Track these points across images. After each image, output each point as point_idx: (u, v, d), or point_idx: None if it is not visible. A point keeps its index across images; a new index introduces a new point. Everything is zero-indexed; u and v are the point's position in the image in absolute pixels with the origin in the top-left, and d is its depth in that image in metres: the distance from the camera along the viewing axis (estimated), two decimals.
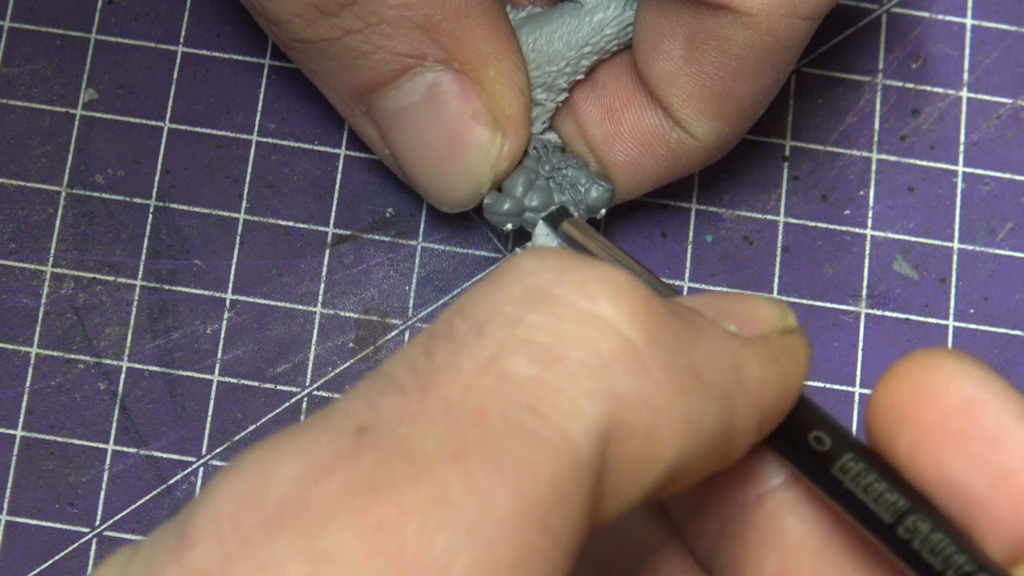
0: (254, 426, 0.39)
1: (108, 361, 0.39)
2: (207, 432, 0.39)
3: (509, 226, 0.37)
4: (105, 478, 0.38)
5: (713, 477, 0.25)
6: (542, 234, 0.36)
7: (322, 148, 0.41)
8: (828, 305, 0.40)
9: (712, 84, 0.35)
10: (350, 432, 0.20)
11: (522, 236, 0.39)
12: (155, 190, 0.40)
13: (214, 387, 0.39)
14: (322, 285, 0.40)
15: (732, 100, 0.35)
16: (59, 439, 0.39)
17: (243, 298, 0.40)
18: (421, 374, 0.20)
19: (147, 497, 0.38)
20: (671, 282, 0.40)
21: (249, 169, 0.40)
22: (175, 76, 0.41)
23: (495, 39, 0.35)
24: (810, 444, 0.24)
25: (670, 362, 0.21)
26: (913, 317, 0.40)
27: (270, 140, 0.41)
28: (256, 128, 0.41)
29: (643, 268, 0.31)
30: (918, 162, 0.41)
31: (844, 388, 0.40)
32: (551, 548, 0.19)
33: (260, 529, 0.19)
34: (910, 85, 0.42)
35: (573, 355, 0.20)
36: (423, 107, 0.36)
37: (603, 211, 0.37)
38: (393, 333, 0.39)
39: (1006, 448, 0.22)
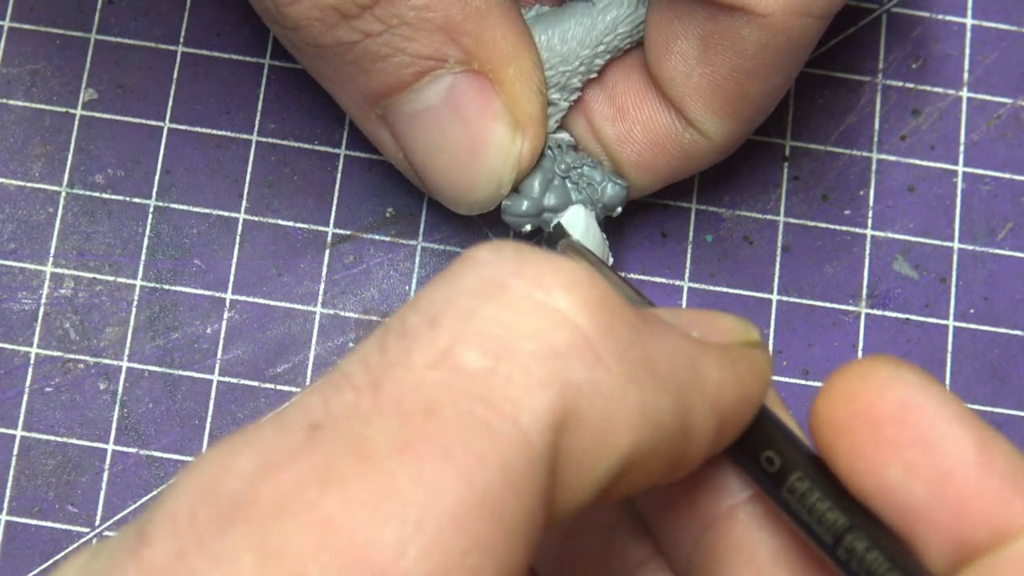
0: None
1: (108, 361, 0.39)
2: (207, 432, 0.39)
3: (528, 227, 0.37)
4: (105, 478, 0.38)
5: (685, 490, 0.25)
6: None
7: (322, 148, 0.41)
8: (828, 305, 0.40)
9: (726, 84, 0.35)
10: (303, 428, 0.20)
11: (526, 237, 0.39)
12: (155, 190, 0.40)
13: (214, 387, 0.39)
14: (322, 285, 0.40)
15: (745, 99, 0.35)
16: (59, 439, 0.39)
17: (243, 298, 0.40)
18: (374, 370, 0.20)
19: (147, 497, 0.38)
20: (671, 282, 0.40)
21: (249, 169, 0.40)
22: (175, 76, 0.41)
23: (514, 38, 0.35)
24: (762, 464, 0.24)
25: (624, 353, 0.21)
26: (913, 317, 0.40)
27: (270, 140, 0.41)
28: (256, 128, 0.41)
29: (631, 287, 0.31)
30: (918, 162, 0.41)
31: None
32: (504, 539, 0.19)
33: (214, 524, 0.19)
34: (910, 85, 0.42)
35: (526, 346, 0.20)
36: (443, 109, 0.36)
37: (619, 209, 0.37)
38: None
39: (941, 452, 0.22)
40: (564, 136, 0.37)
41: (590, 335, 0.21)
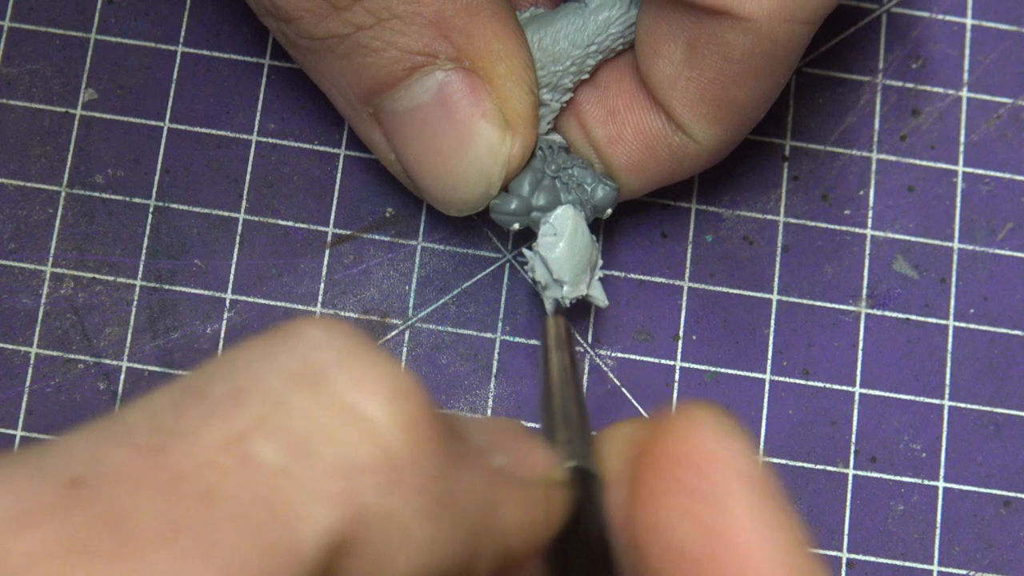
0: None
1: (108, 361, 0.39)
2: None
3: (516, 226, 0.37)
4: None
5: None
6: (548, 234, 0.36)
7: (322, 148, 0.41)
8: (828, 305, 0.40)
9: (713, 89, 0.34)
10: (63, 483, 0.18)
11: (525, 236, 0.39)
12: (155, 190, 0.40)
13: None
14: (322, 285, 0.40)
15: (733, 104, 0.35)
16: None
17: (243, 298, 0.40)
18: (161, 431, 0.18)
19: None
20: (671, 282, 0.40)
21: (249, 169, 0.40)
22: (175, 76, 0.41)
23: (505, 36, 0.35)
24: None
25: (426, 485, 0.19)
26: (913, 317, 0.40)
27: (270, 140, 0.41)
28: (256, 128, 0.41)
29: (577, 412, 0.30)
30: (918, 162, 0.41)
31: (844, 388, 0.40)
32: None
33: None
34: (910, 85, 0.42)
35: (327, 452, 0.19)
36: (433, 107, 0.35)
37: (609, 211, 0.37)
38: (393, 333, 0.39)
39: (726, 512, 0.21)
40: (556, 137, 0.37)
41: (396, 458, 0.19)
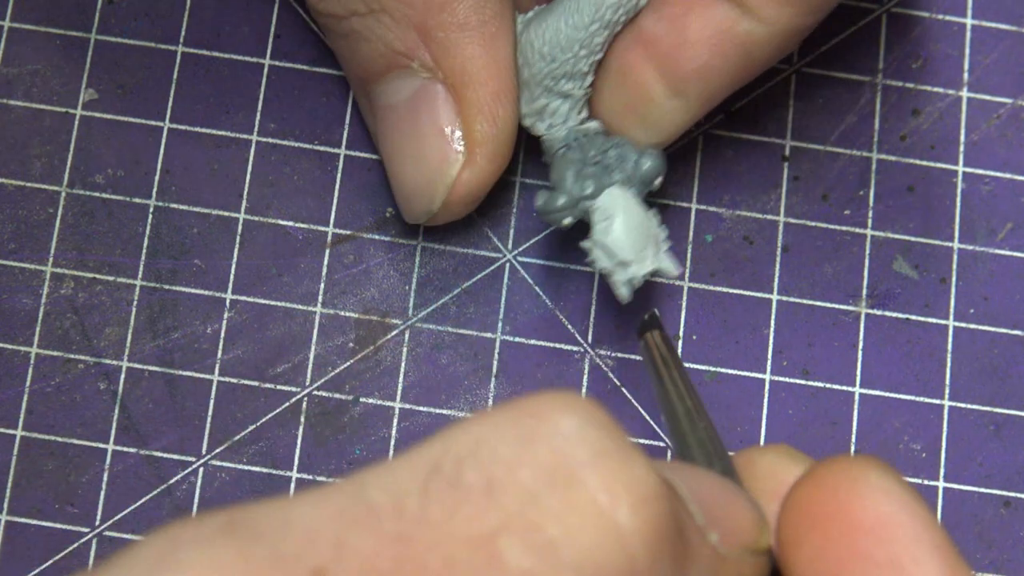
0: (254, 426, 0.39)
1: (108, 361, 0.39)
2: (207, 432, 0.39)
3: (568, 220, 0.36)
4: (105, 478, 0.38)
5: None
6: (600, 220, 0.36)
7: (322, 148, 0.41)
8: (828, 305, 0.40)
9: None
10: (306, 571, 0.17)
11: (526, 236, 0.39)
12: (155, 190, 0.40)
13: (214, 387, 0.39)
14: (322, 285, 0.40)
15: None
16: (59, 439, 0.39)
17: (243, 298, 0.40)
18: (407, 518, 0.18)
19: (147, 497, 0.38)
20: (671, 282, 0.40)
21: (249, 169, 0.40)
22: (175, 76, 0.41)
23: (485, 62, 0.35)
24: None
25: None
26: (913, 317, 0.40)
27: (270, 140, 0.41)
28: (256, 128, 0.41)
29: (697, 406, 0.29)
30: (918, 162, 0.41)
31: (844, 388, 0.40)
32: None
33: None
34: (910, 85, 0.42)
35: (572, 557, 0.18)
36: (404, 110, 0.36)
37: (659, 180, 0.36)
38: (393, 333, 0.39)
39: None
40: (592, 125, 0.37)
41: (637, 565, 0.19)
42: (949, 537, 0.22)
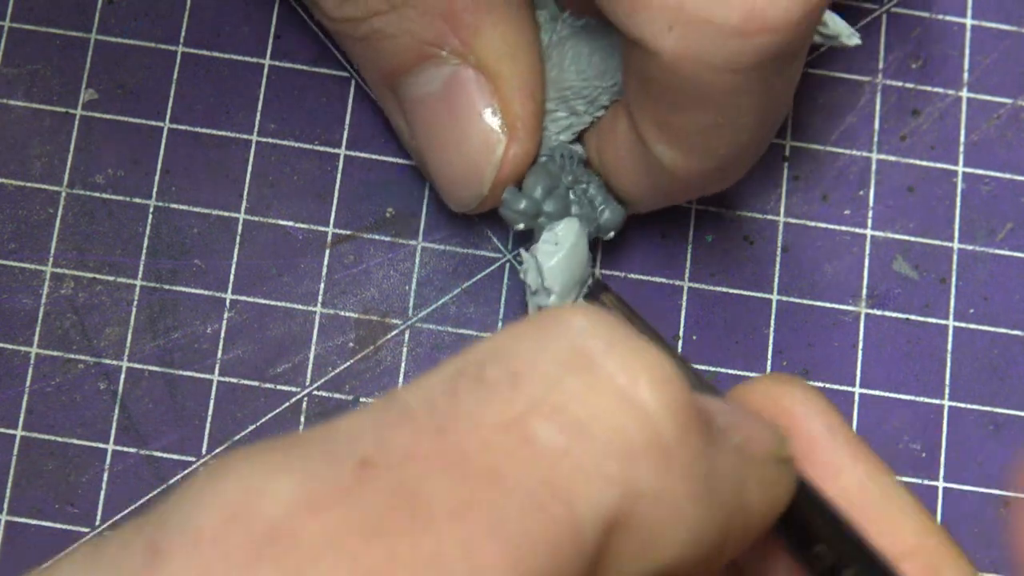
0: (254, 426, 0.39)
1: (108, 361, 0.39)
2: (207, 432, 0.39)
3: (521, 225, 0.37)
4: (105, 478, 0.38)
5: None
6: (549, 242, 0.36)
7: (322, 148, 0.41)
8: (828, 305, 0.40)
9: (656, 111, 0.32)
10: (353, 463, 0.18)
11: (526, 238, 0.39)
12: (155, 190, 0.40)
13: (214, 387, 0.39)
14: (322, 285, 0.40)
15: (681, 131, 0.32)
16: (59, 439, 0.39)
17: (243, 298, 0.40)
18: (440, 413, 0.19)
19: (147, 497, 0.38)
20: (671, 282, 0.40)
21: (249, 169, 0.40)
22: (175, 76, 0.41)
23: (515, 39, 0.35)
24: (815, 555, 0.24)
25: (692, 467, 0.20)
26: (913, 317, 0.40)
27: (270, 140, 0.41)
28: (256, 128, 0.41)
29: (674, 352, 0.30)
30: (918, 162, 0.41)
31: (844, 388, 0.40)
32: None
33: (245, 551, 0.17)
34: (910, 85, 0.42)
35: (603, 435, 0.19)
36: (439, 99, 0.36)
37: (612, 233, 0.38)
38: (393, 333, 0.39)
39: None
40: (578, 148, 0.37)
41: (667, 441, 0.20)
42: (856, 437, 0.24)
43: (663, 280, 0.40)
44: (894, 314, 0.40)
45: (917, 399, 0.40)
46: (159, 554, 0.18)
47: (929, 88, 0.42)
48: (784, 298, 0.40)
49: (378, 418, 0.19)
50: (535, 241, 0.37)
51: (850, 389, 0.40)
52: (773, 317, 0.40)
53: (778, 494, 0.23)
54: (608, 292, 0.35)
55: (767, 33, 0.29)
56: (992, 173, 0.41)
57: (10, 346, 0.39)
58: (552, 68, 0.36)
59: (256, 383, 0.39)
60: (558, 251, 0.36)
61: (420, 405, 0.19)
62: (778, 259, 0.41)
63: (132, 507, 0.38)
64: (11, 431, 0.39)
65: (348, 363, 0.39)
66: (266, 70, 0.41)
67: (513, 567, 0.18)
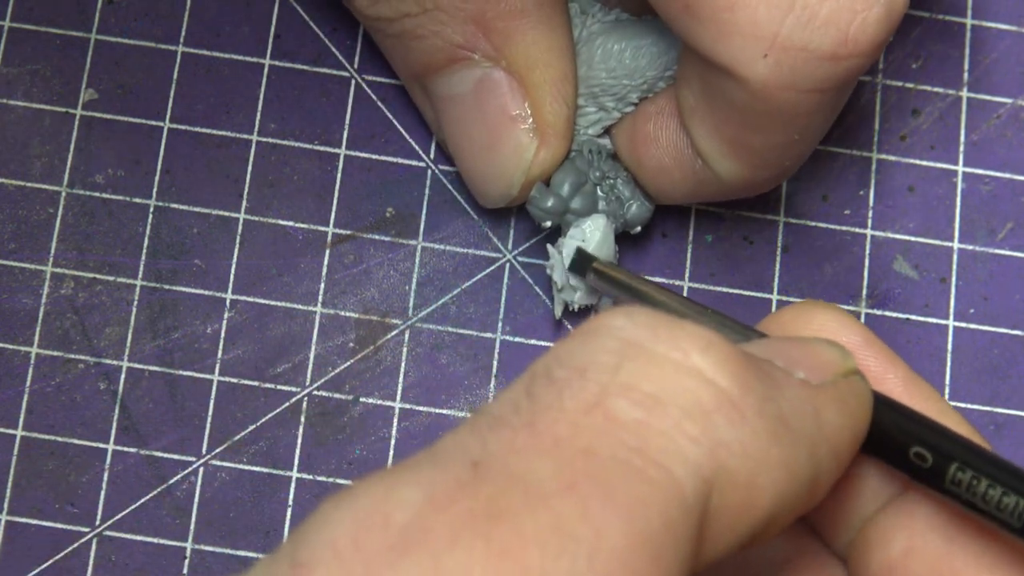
0: (254, 426, 0.39)
1: (108, 361, 0.39)
2: (207, 432, 0.39)
3: (548, 223, 0.37)
4: (105, 478, 0.38)
5: (834, 495, 0.26)
6: (577, 237, 0.36)
7: (322, 148, 0.41)
8: None
9: (726, 128, 0.33)
10: (466, 464, 0.20)
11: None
12: (155, 190, 0.40)
13: (214, 387, 0.39)
14: (322, 285, 0.40)
15: (747, 147, 0.34)
16: (59, 439, 0.39)
17: (243, 298, 0.40)
18: (526, 412, 0.21)
19: (147, 497, 0.38)
20: (671, 282, 0.40)
21: (249, 169, 0.40)
22: (175, 76, 0.41)
23: (547, 45, 0.35)
24: (913, 461, 0.24)
25: (763, 411, 0.22)
26: (913, 317, 0.40)
27: (270, 140, 0.41)
28: (256, 128, 0.41)
29: (702, 308, 0.32)
30: (918, 162, 0.41)
31: None
32: None
33: (384, 552, 0.19)
34: (910, 85, 0.42)
35: (675, 402, 0.21)
36: (470, 100, 0.36)
37: (639, 228, 0.38)
38: (393, 333, 0.39)
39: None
40: (605, 143, 0.37)
41: (733, 394, 0.21)
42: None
43: (663, 280, 0.40)
44: (894, 314, 0.40)
45: None
46: (302, 567, 0.19)
47: (929, 88, 0.42)
48: (784, 298, 0.40)
49: (473, 429, 0.21)
50: (563, 236, 0.37)
51: None
52: None
53: (857, 408, 0.24)
54: (597, 260, 0.36)
55: (857, 57, 0.30)
56: (992, 173, 0.41)
57: (10, 346, 0.39)
58: (581, 65, 0.37)
59: (256, 383, 0.39)
60: (585, 248, 0.36)
61: (506, 411, 0.21)
62: (778, 259, 0.41)
63: (132, 507, 0.38)
64: (11, 431, 0.39)
65: (348, 363, 0.39)
66: (266, 70, 0.41)
67: (631, 525, 0.19)
